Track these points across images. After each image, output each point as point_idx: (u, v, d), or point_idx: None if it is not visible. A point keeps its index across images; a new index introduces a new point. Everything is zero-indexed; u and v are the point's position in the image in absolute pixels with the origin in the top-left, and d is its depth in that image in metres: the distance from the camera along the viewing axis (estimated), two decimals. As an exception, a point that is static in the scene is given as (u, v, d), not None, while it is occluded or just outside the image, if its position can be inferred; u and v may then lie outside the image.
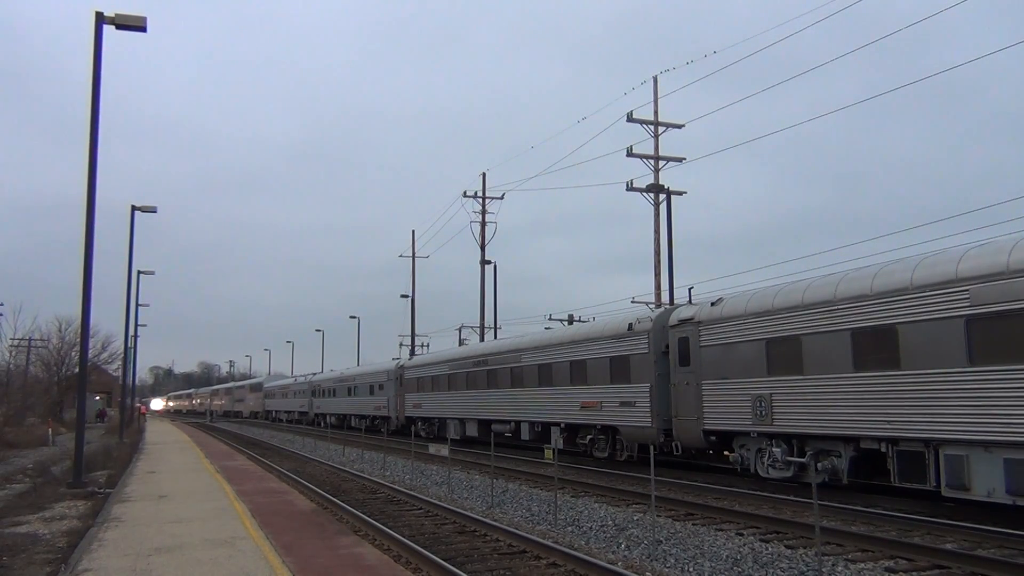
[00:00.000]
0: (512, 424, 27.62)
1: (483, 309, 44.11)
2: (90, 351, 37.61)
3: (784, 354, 15.92)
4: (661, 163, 31.20)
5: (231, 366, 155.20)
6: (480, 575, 9.82)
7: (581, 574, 9.68)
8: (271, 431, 55.49)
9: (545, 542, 11.12)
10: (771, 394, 16.14)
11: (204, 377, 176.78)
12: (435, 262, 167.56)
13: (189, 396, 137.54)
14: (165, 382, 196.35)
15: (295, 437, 46.42)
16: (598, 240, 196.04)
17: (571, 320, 31.54)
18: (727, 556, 10.59)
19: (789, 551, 10.97)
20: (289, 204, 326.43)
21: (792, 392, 15.69)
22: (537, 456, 24.92)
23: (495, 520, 13.53)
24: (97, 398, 76.79)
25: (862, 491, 15.19)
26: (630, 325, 21.23)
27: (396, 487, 18.48)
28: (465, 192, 44.52)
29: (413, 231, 78.21)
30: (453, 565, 9.69)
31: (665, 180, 31.15)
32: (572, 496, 16.92)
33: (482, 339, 42.89)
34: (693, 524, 13.24)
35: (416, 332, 56.44)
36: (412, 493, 17.34)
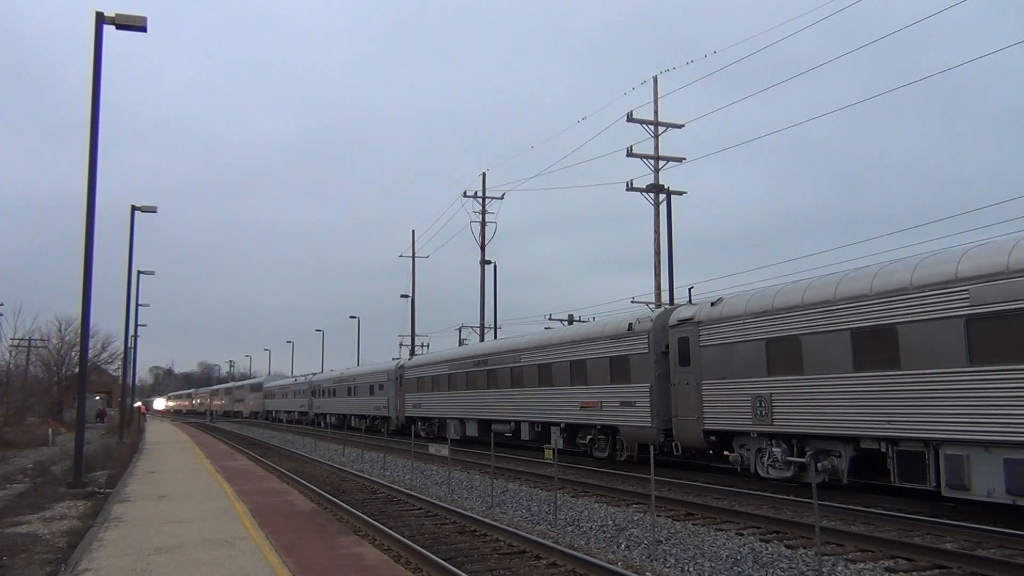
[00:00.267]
0: (512, 424, 27.62)
1: (483, 309, 44.15)
2: (90, 351, 37.64)
3: (784, 354, 15.92)
4: (661, 163, 31.21)
5: (231, 366, 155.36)
6: (480, 575, 9.82)
7: (581, 574, 9.68)
8: (271, 431, 55.49)
9: (545, 542, 11.12)
10: (771, 394, 16.14)
11: (204, 377, 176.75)
12: (435, 262, 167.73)
13: (189, 396, 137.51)
14: (165, 382, 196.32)
15: (295, 437, 46.42)
16: (598, 240, 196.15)
17: (571, 320, 31.52)
18: (727, 556, 10.59)
19: (789, 551, 10.97)
20: (289, 204, 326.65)
21: (792, 392, 15.69)
22: (537, 456, 24.92)
23: (495, 520, 13.53)
24: (97, 398, 76.77)
25: (862, 491, 15.19)
26: (630, 325, 21.23)
27: (396, 487, 18.49)
28: (465, 192, 44.55)
29: (413, 231, 78.30)
30: (453, 565, 9.69)
31: (665, 180, 31.18)
32: (572, 496, 16.92)
33: (482, 339, 42.89)
34: (693, 524, 13.24)
35: (416, 332, 56.49)
36: (412, 493, 17.34)
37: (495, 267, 43.97)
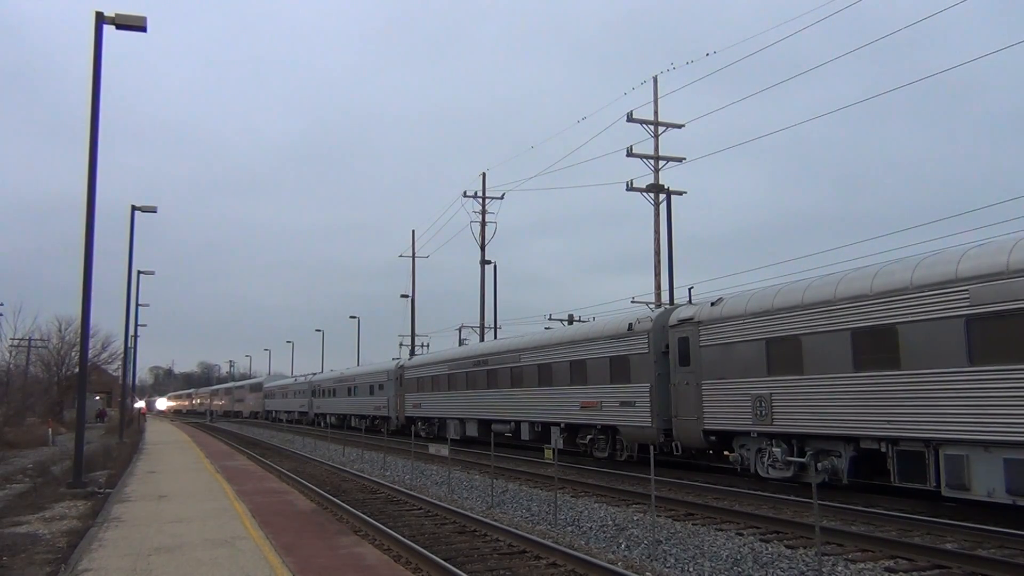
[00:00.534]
0: (512, 424, 27.62)
1: (483, 309, 44.15)
2: (90, 351, 37.60)
3: (784, 354, 15.92)
4: (661, 163, 31.20)
5: (231, 366, 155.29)
6: (480, 575, 9.82)
7: (581, 574, 9.68)
8: (271, 431, 55.48)
9: (545, 542, 11.12)
10: (771, 394, 16.14)
11: (204, 377, 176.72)
12: (435, 262, 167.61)
13: (189, 396, 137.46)
14: (165, 382, 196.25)
15: (295, 437, 46.41)
16: (598, 240, 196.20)
17: (571, 320, 31.51)
18: (727, 556, 10.59)
19: (789, 551, 10.97)
20: (289, 204, 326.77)
21: (792, 392, 15.69)
22: (537, 456, 24.91)
23: (495, 520, 13.53)
24: (97, 398, 76.75)
25: (862, 491, 15.19)
26: (630, 325, 21.22)
27: (396, 487, 18.48)
28: (465, 192, 44.53)
29: (413, 231, 78.17)
30: (453, 565, 9.69)
31: (665, 180, 31.18)
32: (572, 496, 16.92)
33: (482, 339, 42.89)
34: (693, 524, 13.24)
35: (416, 332, 56.47)
36: (412, 493, 17.34)
37: (495, 267, 44.01)
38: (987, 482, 11.98)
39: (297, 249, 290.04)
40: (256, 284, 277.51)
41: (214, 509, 14.89)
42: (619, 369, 21.41)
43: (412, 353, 51.60)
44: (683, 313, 19.46)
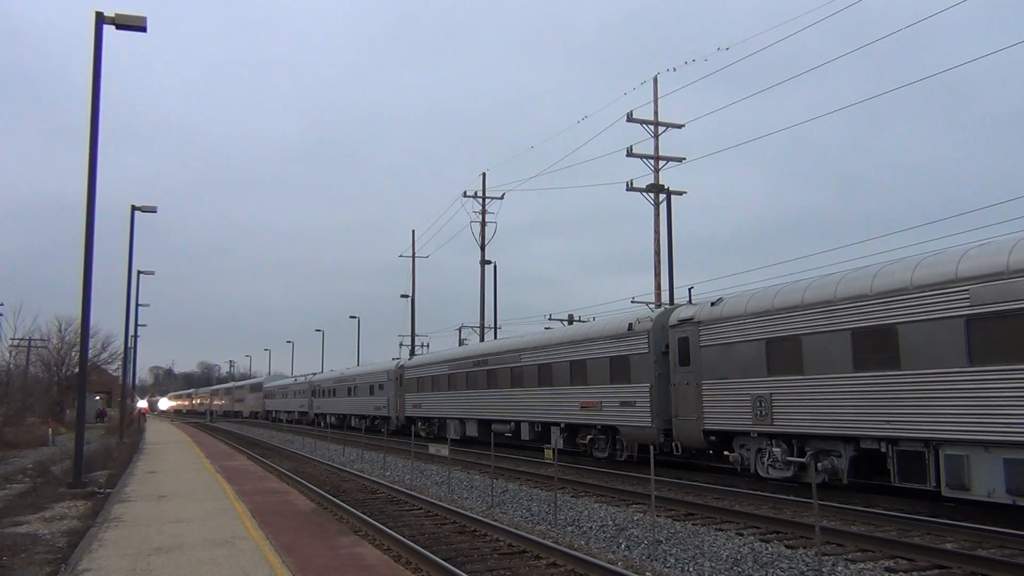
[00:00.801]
0: (512, 424, 27.61)
1: (483, 309, 44.14)
2: (90, 351, 37.62)
3: (784, 354, 15.92)
4: (661, 163, 31.20)
5: (231, 366, 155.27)
6: (480, 575, 9.82)
7: (581, 574, 9.68)
8: (271, 431, 55.47)
9: (545, 542, 11.12)
10: (771, 394, 16.14)
11: (204, 377, 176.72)
12: (435, 262, 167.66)
13: (189, 396, 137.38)
14: (165, 382, 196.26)
15: (295, 437, 46.40)
16: (598, 240, 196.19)
17: (571, 320, 31.52)
18: (727, 556, 10.59)
19: (789, 551, 10.97)
20: (289, 204, 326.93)
21: (792, 392, 15.69)
22: (537, 456, 24.91)
23: (495, 520, 13.53)
24: (97, 398, 76.74)
25: (862, 491, 15.19)
26: (630, 325, 21.22)
27: (396, 487, 18.48)
28: (465, 192, 44.54)
29: (413, 231, 78.27)
30: (453, 565, 9.69)
31: (665, 180, 31.18)
32: (572, 496, 16.91)
33: (482, 339, 42.89)
34: (693, 524, 13.24)
35: (416, 332, 56.47)
36: (412, 493, 17.34)
37: (495, 267, 44.00)
38: (987, 482, 11.98)
39: (297, 249, 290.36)
40: (256, 284, 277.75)
41: (214, 509, 14.89)
42: (619, 369, 21.40)
43: (412, 353, 51.59)
44: (683, 313, 19.46)
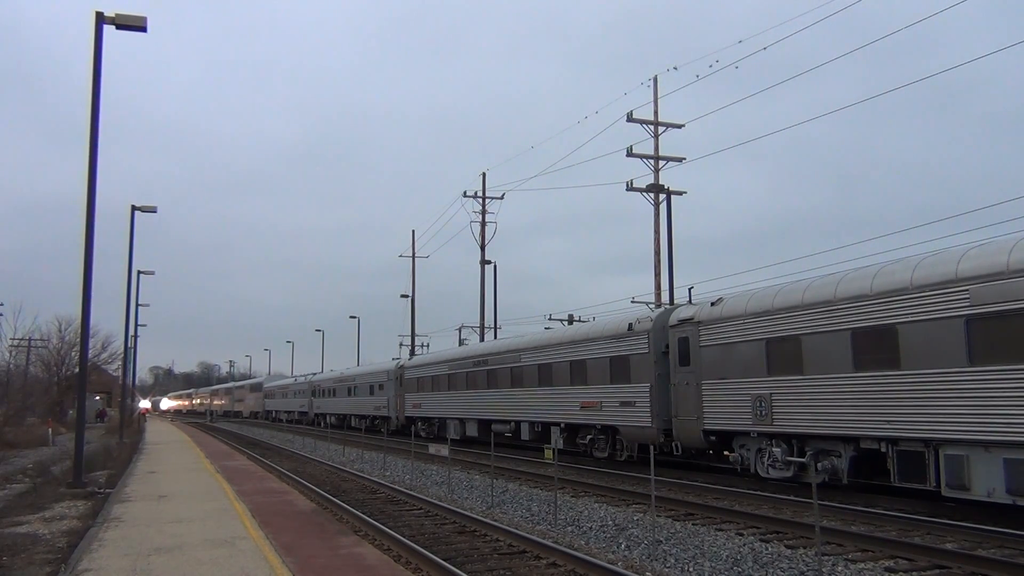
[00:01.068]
0: (512, 424, 27.61)
1: (483, 309, 44.14)
2: (90, 351, 37.60)
3: (784, 354, 15.92)
4: (661, 163, 31.20)
5: (231, 366, 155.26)
6: (480, 575, 9.82)
7: (581, 574, 9.68)
8: (271, 431, 55.48)
9: (545, 542, 11.12)
10: (771, 394, 16.13)
11: (204, 377, 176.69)
12: (435, 262, 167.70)
13: (189, 396, 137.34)
14: (165, 382, 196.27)
15: (295, 437, 46.41)
16: (598, 240, 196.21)
17: (571, 320, 31.51)
18: (727, 556, 10.59)
19: (789, 551, 10.96)
20: (289, 204, 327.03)
21: (792, 392, 15.69)
22: (537, 456, 24.92)
23: (495, 520, 13.53)
24: (97, 398, 76.73)
25: (862, 491, 15.19)
26: (630, 325, 21.22)
27: (396, 487, 18.48)
28: (465, 192, 44.55)
29: (413, 231, 78.22)
30: (453, 565, 9.69)
31: (665, 180, 31.18)
32: (572, 496, 16.91)
33: (482, 339, 42.89)
34: (693, 524, 13.24)
35: (416, 332, 56.47)
36: (412, 493, 17.34)
37: (495, 267, 44.01)
38: (987, 482, 11.98)
39: (297, 249, 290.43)
40: (256, 284, 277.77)
41: (214, 509, 14.89)
42: (619, 369, 21.40)
43: (412, 353, 51.60)
44: (683, 313, 19.46)
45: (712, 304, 18.47)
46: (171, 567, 9.79)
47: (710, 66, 28.53)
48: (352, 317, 75.57)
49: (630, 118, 31.13)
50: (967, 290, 12.42)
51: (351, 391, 50.25)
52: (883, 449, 13.94)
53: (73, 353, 59.59)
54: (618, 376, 21.41)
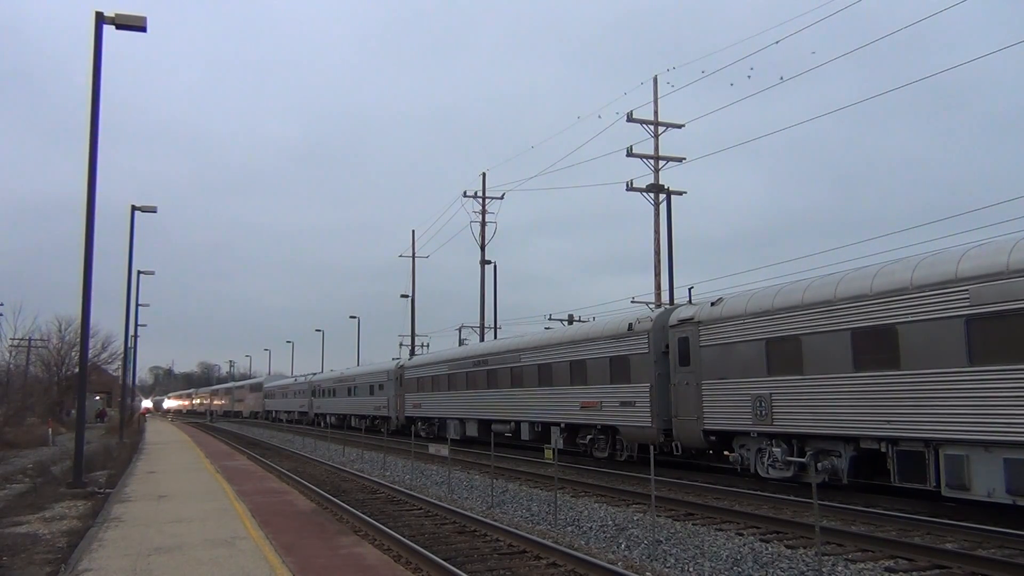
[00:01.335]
0: (512, 424, 27.61)
1: (483, 309, 44.14)
2: (90, 351, 37.61)
3: (784, 354, 15.92)
4: (661, 163, 31.20)
5: (231, 366, 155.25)
6: (480, 575, 9.82)
7: (581, 574, 9.68)
8: (271, 431, 55.48)
9: (545, 542, 11.12)
10: (771, 394, 16.13)
11: (204, 377, 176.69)
12: (435, 262, 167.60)
13: (189, 396, 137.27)
14: (165, 382, 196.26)
15: (295, 437, 46.40)
16: (598, 240, 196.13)
17: (571, 320, 31.52)
18: (727, 556, 10.59)
19: (789, 551, 10.96)
20: (289, 204, 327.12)
21: (792, 392, 15.69)
22: (537, 456, 24.91)
23: (495, 520, 13.53)
24: (97, 398, 76.73)
25: (862, 491, 15.18)
26: (630, 325, 21.22)
27: (396, 487, 18.48)
28: (465, 192, 44.54)
29: (413, 231, 78.23)
30: (453, 565, 9.69)
31: (665, 180, 31.18)
32: (572, 496, 16.91)
33: (482, 339, 42.88)
34: (693, 524, 13.24)
35: (416, 332, 56.46)
36: (412, 493, 17.34)
37: (495, 267, 44.00)
38: (987, 482, 11.98)
39: (297, 249, 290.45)
40: (256, 284, 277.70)
41: (214, 509, 14.89)
42: (619, 369, 21.40)
43: (412, 353, 51.60)
44: (683, 313, 19.46)
45: (712, 304, 18.47)
46: (171, 567, 9.79)
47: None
48: (352, 317, 75.69)
49: (630, 118, 31.13)
50: (967, 290, 12.42)
51: (351, 391, 50.25)
52: (883, 449, 13.94)
53: (73, 353, 59.64)
54: (618, 376, 21.41)
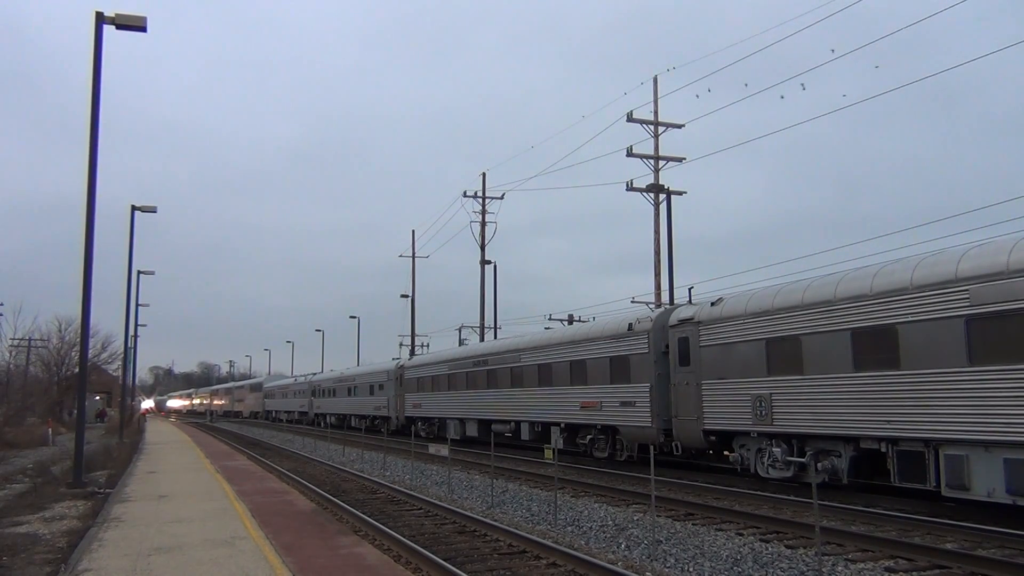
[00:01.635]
0: (512, 424, 27.62)
1: (483, 309, 44.14)
2: (90, 351, 37.60)
3: (784, 354, 15.92)
4: (661, 163, 31.20)
5: (231, 366, 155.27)
6: (480, 575, 9.82)
7: (581, 574, 9.68)
8: (271, 431, 55.48)
9: (545, 542, 11.12)
10: (771, 394, 16.13)
11: (204, 377, 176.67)
12: (435, 262, 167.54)
13: (189, 396, 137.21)
14: (165, 382, 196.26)
15: (295, 437, 46.41)
16: (598, 240, 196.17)
17: (571, 320, 31.53)
18: (727, 556, 10.59)
19: (789, 551, 10.97)
20: (289, 204, 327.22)
21: (792, 392, 15.69)
22: (537, 456, 24.91)
23: (495, 520, 13.53)
24: (97, 398, 76.73)
25: (862, 491, 15.18)
26: (630, 325, 21.22)
27: (396, 487, 18.48)
28: (465, 192, 44.54)
29: (413, 231, 78.19)
30: (453, 565, 9.69)
31: (665, 180, 31.17)
32: (572, 496, 16.91)
33: (482, 339, 42.88)
34: (693, 524, 13.24)
35: (416, 332, 56.44)
36: (412, 493, 17.34)
37: (495, 267, 44.00)
38: (987, 482, 11.98)
39: (297, 249, 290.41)
40: (256, 284, 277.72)
41: (214, 509, 14.89)
42: (619, 369, 21.40)
43: (412, 353, 51.59)
44: (683, 313, 19.46)
45: (712, 304, 18.47)
46: (171, 567, 9.79)
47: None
48: (352, 317, 75.66)
49: (630, 118, 31.12)
50: (967, 290, 12.42)
51: (351, 391, 50.26)
52: (883, 449, 13.94)
53: (73, 353, 59.61)
54: (618, 376, 21.41)
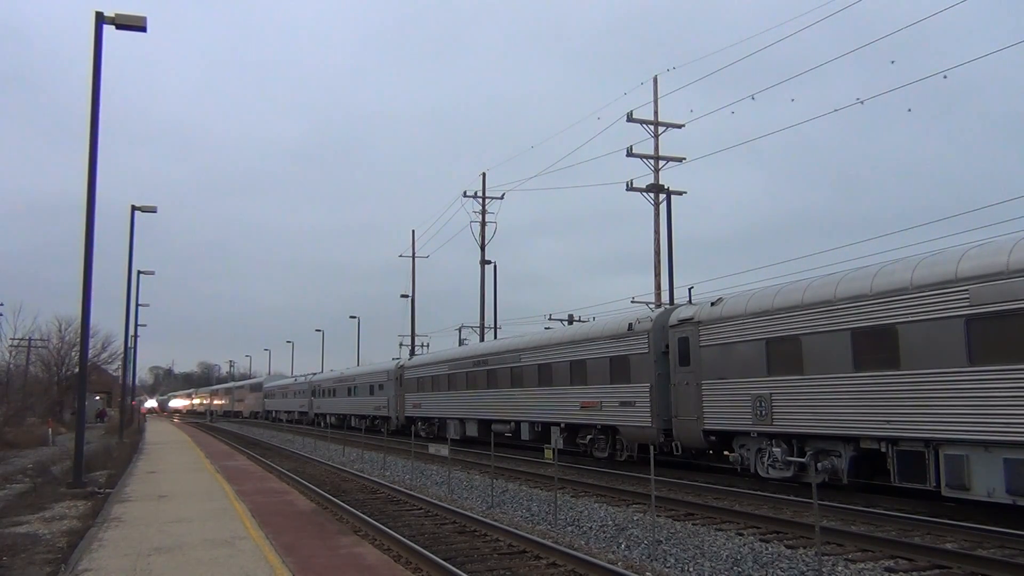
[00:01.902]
0: (512, 424, 27.62)
1: (483, 309, 44.13)
2: (90, 351, 37.61)
3: (784, 354, 15.92)
4: (661, 163, 31.20)
5: (231, 366, 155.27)
6: (480, 575, 9.82)
7: (581, 574, 9.68)
8: (271, 431, 55.49)
9: (545, 542, 11.12)
10: (771, 394, 16.14)
11: (204, 377, 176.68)
12: (435, 262, 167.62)
13: (189, 396, 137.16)
14: (165, 382, 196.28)
15: (295, 437, 46.41)
16: (598, 240, 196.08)
17: (571, 320, 31.51)
18: (727, 556, 10.59)
19: (789, 551, 10.97)
20: (290, 204, 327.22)
21: (792, 392, 15.69)
22: (537, 456, 24.92)
23: (495, 520, 13.53)
24: (97, 398, 76.74)
25: (862, 491, 15.19)
26: (630, 325, 21.23)
27: (396, 487, 18.48)
28: (465, 192, 44.53)
29: (413, 231, 78.22)
30: (453, 565, 9.69)
31: (665, 180, 31.17)
32: (572, 496, 16.91)
33: (482, 339, 42.88)
34: (693, 524, 13.24)
35: (416, 332, 56.43)
36: (412, 493, 17.34)
37: (495, 267, 44.00)
38: (987, 482, 11.98)
39: (297, 249, 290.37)
40: (256, 284, 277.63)
41: (214, 509, 14.88)
42: (619, 369, 21.41)
43: (412, 353, 51.59)
44: (683, 313, 19.46)
45: (712, 304, 18.47)
46: (171, 567, 9.79)
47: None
48: (352, 317, 75.66)
49: (630, 118, 31.12)
50: (967, 290, 12.42)
51: (351, 391, 50.26)
52: (883, 449, 13.94)
53: (73, 353, 59.64)
54: (618, 376, 21.41)
